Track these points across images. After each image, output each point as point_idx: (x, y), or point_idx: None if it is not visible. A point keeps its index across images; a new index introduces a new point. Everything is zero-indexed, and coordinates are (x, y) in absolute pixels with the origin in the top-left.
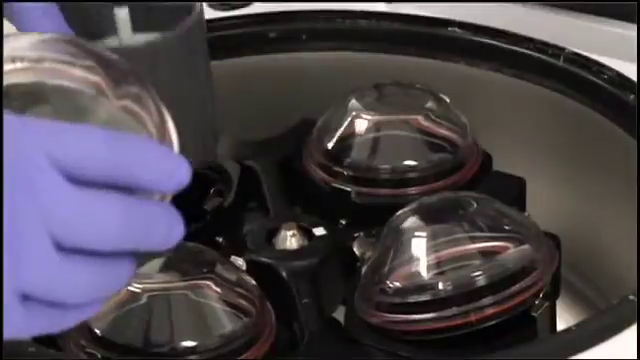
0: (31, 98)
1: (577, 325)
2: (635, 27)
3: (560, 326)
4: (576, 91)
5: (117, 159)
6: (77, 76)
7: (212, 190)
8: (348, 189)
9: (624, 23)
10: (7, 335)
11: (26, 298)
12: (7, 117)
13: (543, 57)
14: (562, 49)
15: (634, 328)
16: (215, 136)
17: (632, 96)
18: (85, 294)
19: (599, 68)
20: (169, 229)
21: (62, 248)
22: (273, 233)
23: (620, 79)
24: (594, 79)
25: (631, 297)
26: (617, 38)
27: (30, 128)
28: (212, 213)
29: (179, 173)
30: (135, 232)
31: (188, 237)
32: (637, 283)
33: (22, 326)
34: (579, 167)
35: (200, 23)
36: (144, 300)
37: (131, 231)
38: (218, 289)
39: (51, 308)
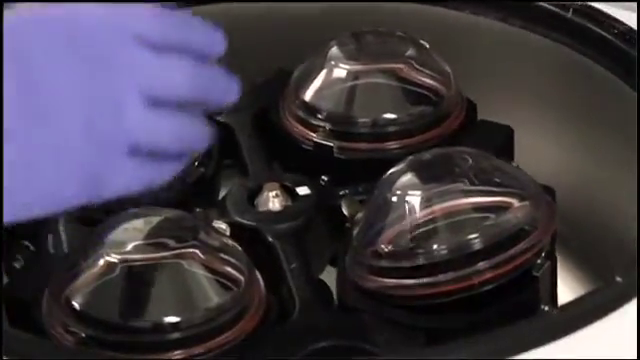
0: None
1: (572, 302)
2: None
3: None
4: (582, 44)
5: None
6: None
7: (196, 163)
8: (330, 144)
9: None
10: (118, 191)
11: (132, 154)
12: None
13: (551, 8)
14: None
15: (634, 302)
16: None
17: None
18: (179, 142)
19: (610, 22)
20: (228, 85)
21: (151, 103)
22: (254, 194)
23: (631, 33)
24: (603, 32)
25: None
26: None
27: (119, 11)
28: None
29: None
30: (203, 85)
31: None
32: (637, 257)
33: (132, 179)
34: (578, 120)
35: None
36: (124, 272)
37: (200, 84)
38: (204, 257)
39: (152, 160)
